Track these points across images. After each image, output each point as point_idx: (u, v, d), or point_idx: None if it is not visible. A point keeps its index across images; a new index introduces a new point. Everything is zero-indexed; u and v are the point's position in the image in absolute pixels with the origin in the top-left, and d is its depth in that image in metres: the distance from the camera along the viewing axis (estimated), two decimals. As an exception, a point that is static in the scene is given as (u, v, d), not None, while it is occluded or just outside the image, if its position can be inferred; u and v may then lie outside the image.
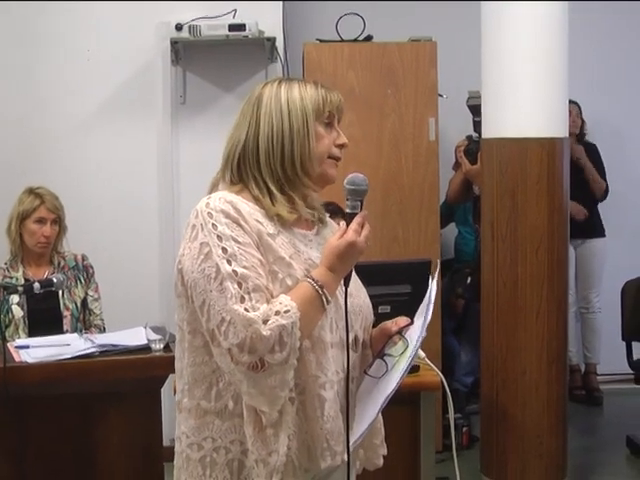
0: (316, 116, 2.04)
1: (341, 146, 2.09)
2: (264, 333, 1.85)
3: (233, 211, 1.96)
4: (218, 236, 1.93)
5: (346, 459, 2.02)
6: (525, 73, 4.17)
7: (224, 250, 1.91)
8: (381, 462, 2.24)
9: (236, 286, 1.89)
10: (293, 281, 1.96)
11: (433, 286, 2.11)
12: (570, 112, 5.68)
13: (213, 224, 1.94)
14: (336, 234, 1.99)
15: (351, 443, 2.02)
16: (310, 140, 2.03)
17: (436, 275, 2.14)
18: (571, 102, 5.63)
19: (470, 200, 5.50)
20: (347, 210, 2.00)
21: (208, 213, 1.95)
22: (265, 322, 1.86)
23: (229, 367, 1.90)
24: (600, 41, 6.08)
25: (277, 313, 1.87)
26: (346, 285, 2.01)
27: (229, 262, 1.90)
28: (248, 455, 1.97)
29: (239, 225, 1.95)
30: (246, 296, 1.89)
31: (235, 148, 2.05)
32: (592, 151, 5.89)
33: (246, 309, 1.87)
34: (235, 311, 1.87)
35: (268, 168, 2.03)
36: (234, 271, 1.89)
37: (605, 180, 5.87)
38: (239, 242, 1.93)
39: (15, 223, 4.04)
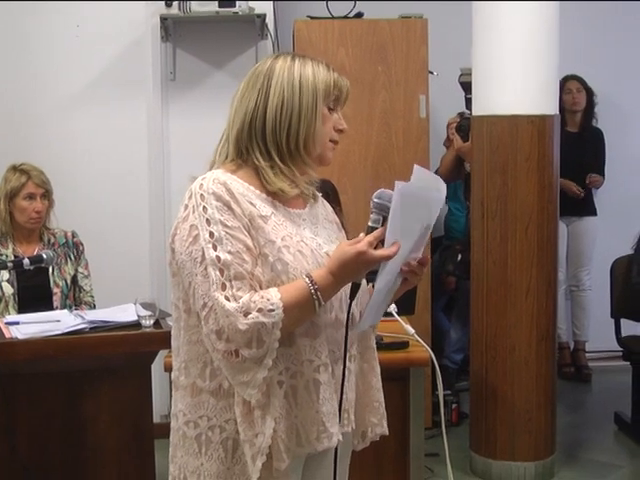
0: (324, 98, 2.07)
1: (340, 131, 2.12)
2: (240, 327, 1.86)
3: (225, 193, 1.96)
4: (207, 220, 1.94)
5: (341, 438, 2.04)
6: (515, 50, 4.16)
7: (211, 234, 1.92)
8: (376, 437, 2.26)
9: (218, 273, 1.90)
10: (283, 265, 1.96)
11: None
12: (570, 89, 5.70)
13: (204, 207, 1.95)
14: (351, 240, 1.96)
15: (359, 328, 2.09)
16: (317, 120, 2.05)
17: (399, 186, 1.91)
18: (571, 78, 5.65)
19: (462, 177, 5.49)
20: (369, 223, 1.97)
21: (200, 195, 1.96)
22: (245, 315, 1.87)
23: (211, 349, 1.94)
24: (611, 18, 6.05)
25: (260, 310, 1.88)
26: (351, 299, 2.00)
27: (214, 247, 1.91)
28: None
29: (230, 208, 1.95)
30: (227, 283, 1.90)
31: (243, 118, 2.05)
32: (596, 138, 5.86)
33: (227, 297, 1.88)
34: (216, 299, 1.89)
35: (273, 138, 2.03)
36: (217, 257, 1.91)
37: (603, 171, 5.86)
38: (227, 226, 1.93)
39: (4, 202, 4.01)
